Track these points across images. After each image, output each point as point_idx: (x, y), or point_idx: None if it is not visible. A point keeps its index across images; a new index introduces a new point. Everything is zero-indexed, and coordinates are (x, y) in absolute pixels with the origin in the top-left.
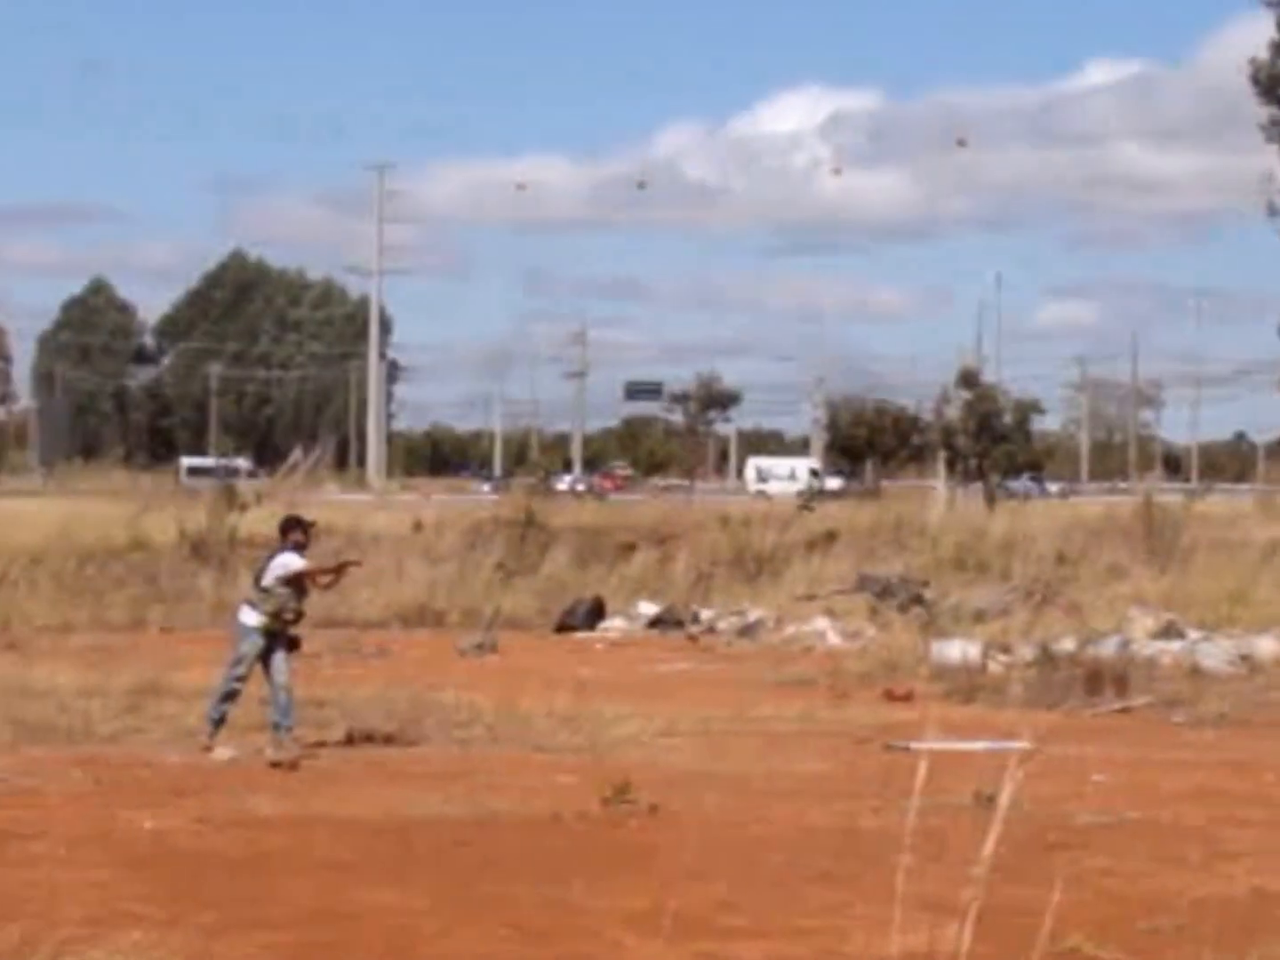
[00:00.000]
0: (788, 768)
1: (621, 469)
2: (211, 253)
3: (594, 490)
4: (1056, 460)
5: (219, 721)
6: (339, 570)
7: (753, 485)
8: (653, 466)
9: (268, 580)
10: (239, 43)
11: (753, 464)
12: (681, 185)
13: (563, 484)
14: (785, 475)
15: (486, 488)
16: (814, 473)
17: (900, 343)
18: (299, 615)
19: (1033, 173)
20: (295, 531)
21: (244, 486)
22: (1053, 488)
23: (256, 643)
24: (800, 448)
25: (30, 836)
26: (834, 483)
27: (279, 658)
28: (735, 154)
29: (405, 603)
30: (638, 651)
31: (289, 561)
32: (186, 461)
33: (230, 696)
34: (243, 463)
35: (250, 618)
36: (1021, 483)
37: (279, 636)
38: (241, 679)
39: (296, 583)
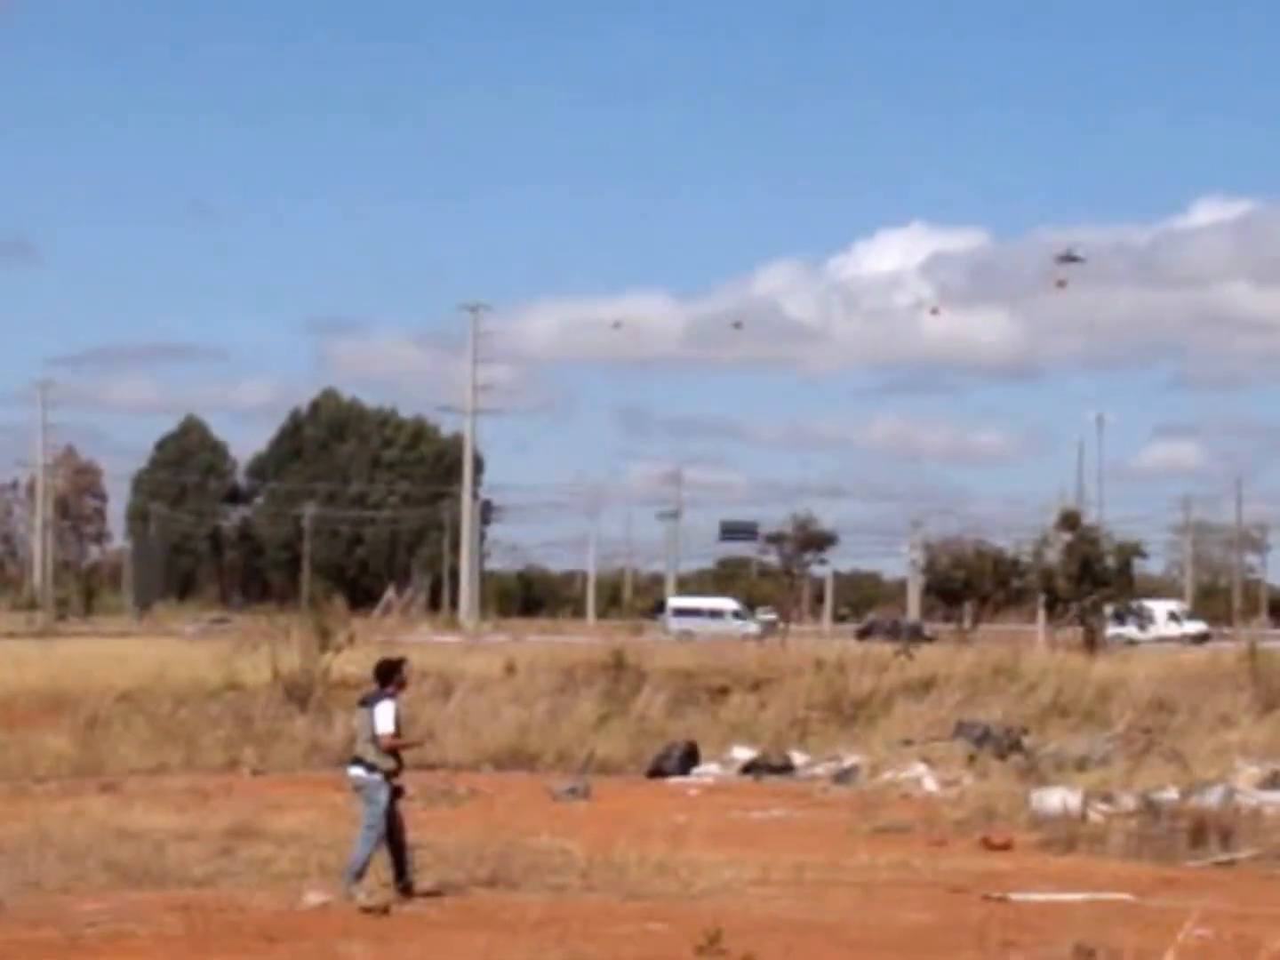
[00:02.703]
0: (884, 917)
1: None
2: (306, 392)
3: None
4: None
5: (360, 874)
6: (410, 746)
7: (1110, 630)
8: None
9: (383, 738)
10: (336, 185)
11: (1110, 608)
12: (780, 324)
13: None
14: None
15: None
16: (1173, 615)
17: (1000, 484)
18: (401, 764)
19: (1138, 312)
20: (396, 675)
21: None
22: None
23: (389, 793)
24: (898, 591)
25: None
26: (1194, 626)
27: (398, 808)
28: (834, 293)
29: (498, 745)
30: (732, 798)
31: (381, 721)
32: (674, 602)
33: (373, 854)
34: (729, 603)
35: (372, 775)
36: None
37: (396, 786)
38: (381, 836)
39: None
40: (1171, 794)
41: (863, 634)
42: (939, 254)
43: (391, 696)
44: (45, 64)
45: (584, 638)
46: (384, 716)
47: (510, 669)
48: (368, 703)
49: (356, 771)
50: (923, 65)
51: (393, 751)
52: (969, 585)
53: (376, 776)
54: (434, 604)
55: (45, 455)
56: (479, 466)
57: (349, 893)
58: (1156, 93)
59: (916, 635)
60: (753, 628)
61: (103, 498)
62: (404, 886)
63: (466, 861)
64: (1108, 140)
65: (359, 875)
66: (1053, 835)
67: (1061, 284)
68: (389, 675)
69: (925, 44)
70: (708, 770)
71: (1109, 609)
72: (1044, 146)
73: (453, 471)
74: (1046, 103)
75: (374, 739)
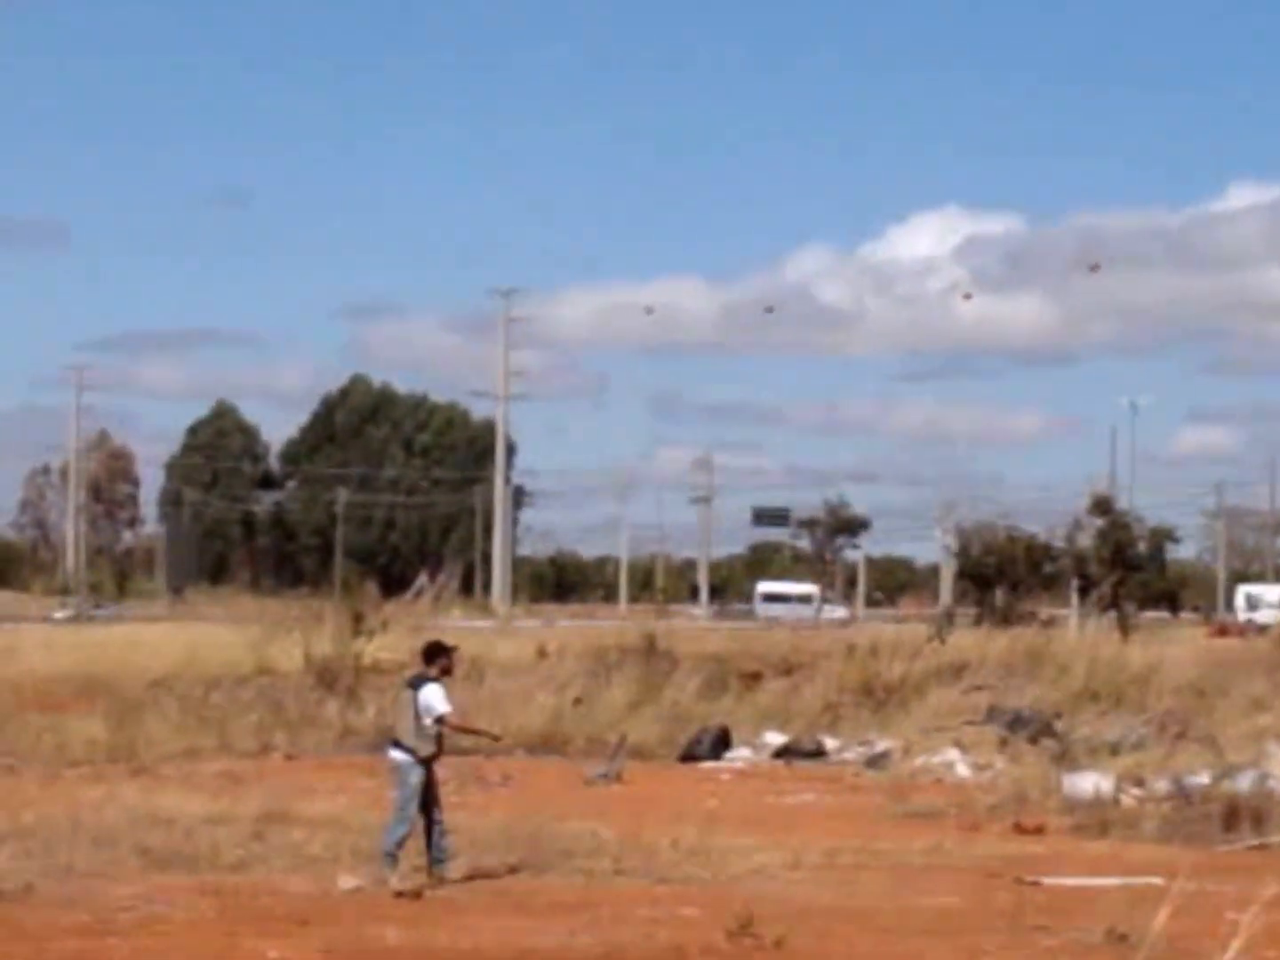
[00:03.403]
0: (916, 902)
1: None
2: (339, 377)
3: None
4: (1192, 590)
5: (395, 859)
6: (477, 733)
7: (1242, 614)
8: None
9: (426, 720)
10: (369, 168)
11: (1242, 590)
12: (813, 309)
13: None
14: (1276, 602)
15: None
16: None
17: (1033, 469)
18: (441, 749)
19: (1173, 297)
20: (441, 658)
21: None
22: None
23: (421, 776)
24: (931, 576)
25: None
26: None
27: (438, 791)
28: (867, 278)
29: (530, 730)
30: (764, 782)
31: (433, 704)
32: (762, 587)
33: (407, 837)
34: (814, 589)
35: (406, 758)
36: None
37: (432, 770)
38: (413, 819)
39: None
40: (1204, 778)
41: (980, 619)
42: (973, 238)
43: (436, 680)
44: (77, 48)
45: (616, 623)
46: (438, 698)
47: (542, 654)
48: (414, 685)
49: (394, 754)
50: (956, 48)
51: (438, 735)
52: (1001, 570)
53: (410, 759)
54: (466, 589)
55: (78, 440)
56: (511, 451)
57: (386, 875)
58: (1191, 75)
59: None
60: (840, 612)
61: (135, 482)
62: (438, 873)
63: (498, 846)
64: (1142, 123)
65: (393, 859)
66: (1085, 820)
67: (1095, 268)
68: (434, 656)
69: (958, 27)
70: (739, 755)
71: (1241, 595)
72: (1078, 129)
73: (485, 456)
74: (1080, 85)
75: (416, 721)
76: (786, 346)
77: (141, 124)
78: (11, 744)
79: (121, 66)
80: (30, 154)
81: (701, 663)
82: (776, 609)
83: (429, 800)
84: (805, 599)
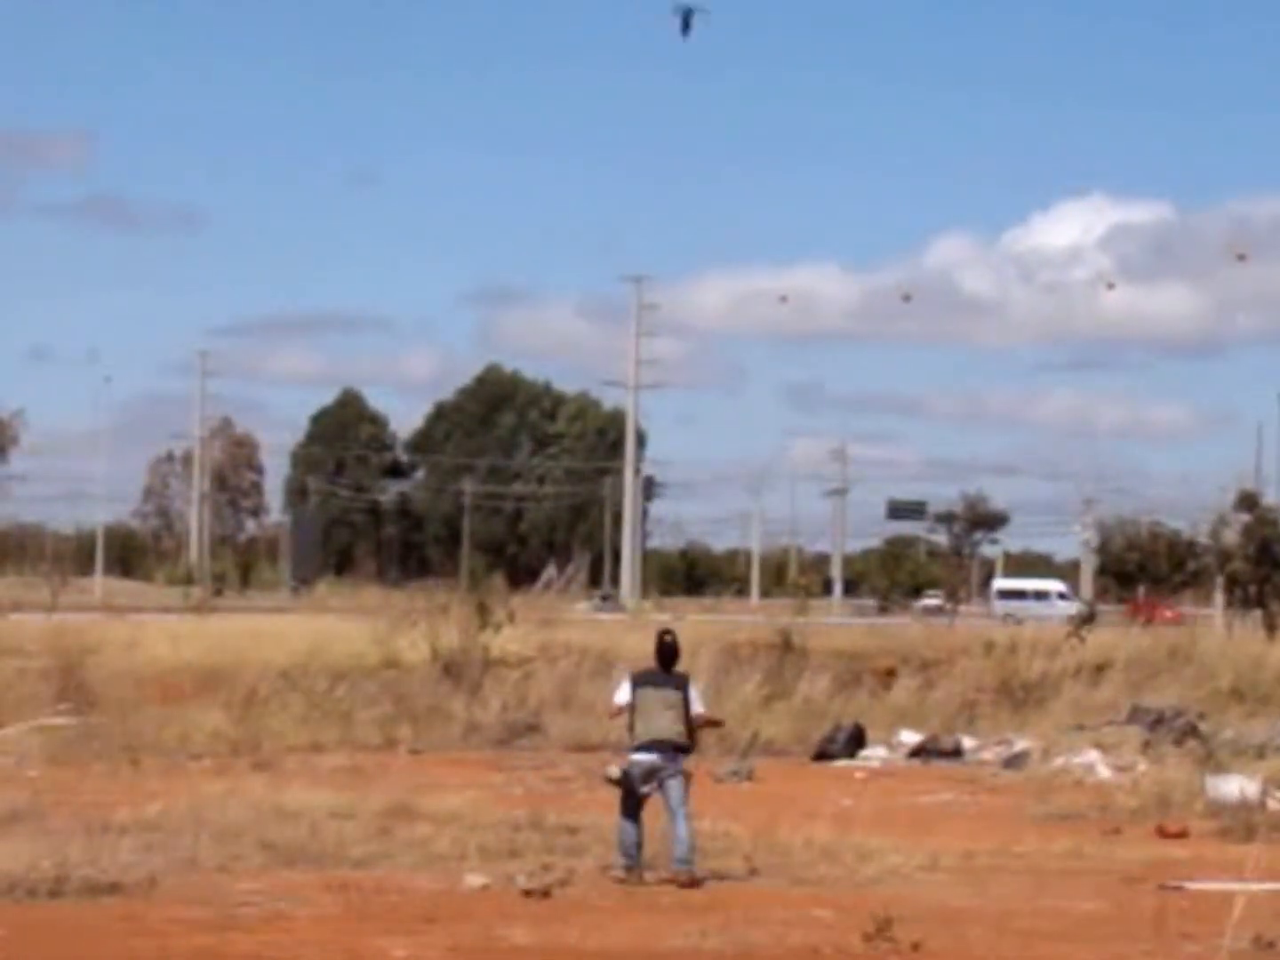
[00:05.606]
0: (1055, 906)
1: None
2: (469, 364)
3: None
4: None
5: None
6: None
7: None
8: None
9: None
10: (501, 153)
11: None
12: (953, 297)
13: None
14: None
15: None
16: None
17: (1177, 463)
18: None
19: None
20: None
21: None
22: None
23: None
24: (1071, 572)
25: None
26: None
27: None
28: (1009, 266)
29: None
30: (899, 782)
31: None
32: (998, 584)
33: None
34: (1056, 585)
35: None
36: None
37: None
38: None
39: None
40: None
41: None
42: (1119, 226)
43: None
44: (210, 36)
45: (748, 617)
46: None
47: None
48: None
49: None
50: (1102, 33)
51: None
52: (1143, 567)
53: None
54: (594, 581)
55: (202, 427)
56: (642, 442)
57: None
58: None
59: None
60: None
61: (260, 471)
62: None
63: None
64: None
65: (622, 853)
66: (1230, 823)
67: (1242, 257)
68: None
69: (1107, 12)
70: (874, 754)
71: None
72: (1226, 115)
73: (616, 447)
74: (1226, 71)
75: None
76: (925, 336)
77: (275, 108)
78: (134, 735)
79: (254, 53)
80: (164, 141)
81: (835, 659)
82: (1012, 605)
83: (641, 799)
84: (1043, 595)
